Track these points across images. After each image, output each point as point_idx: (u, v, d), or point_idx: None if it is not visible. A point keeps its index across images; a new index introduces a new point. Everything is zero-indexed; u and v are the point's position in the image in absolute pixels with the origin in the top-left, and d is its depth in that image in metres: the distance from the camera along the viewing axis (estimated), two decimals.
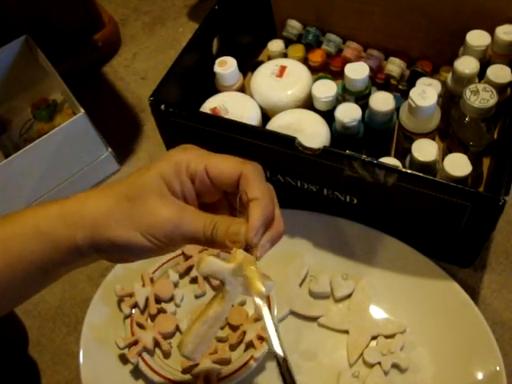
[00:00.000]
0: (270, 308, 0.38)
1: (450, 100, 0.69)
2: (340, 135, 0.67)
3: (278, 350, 0.37)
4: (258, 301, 0.37)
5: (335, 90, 0.69)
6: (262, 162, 0.65)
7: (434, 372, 0.58)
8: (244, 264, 0.36)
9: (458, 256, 0.67)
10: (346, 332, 0.62)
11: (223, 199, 0.42)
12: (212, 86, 0.76)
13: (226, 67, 0.73)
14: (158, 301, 0.64)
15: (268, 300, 0.38)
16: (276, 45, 0.84)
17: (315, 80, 0.73)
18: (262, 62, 0.79)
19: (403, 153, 0.67)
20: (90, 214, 0.37)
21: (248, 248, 0.37)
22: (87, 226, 0.37)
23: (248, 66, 0.85)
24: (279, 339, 0.38)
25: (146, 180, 0.38)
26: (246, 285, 0.37)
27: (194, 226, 0.37)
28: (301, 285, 0.65)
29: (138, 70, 0.96)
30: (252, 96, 0.74)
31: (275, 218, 0.39)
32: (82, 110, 0.73)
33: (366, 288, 0.64)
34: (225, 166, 0.39)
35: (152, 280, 0.65)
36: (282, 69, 0.74)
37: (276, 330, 0.38)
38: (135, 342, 0.61)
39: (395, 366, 0.59)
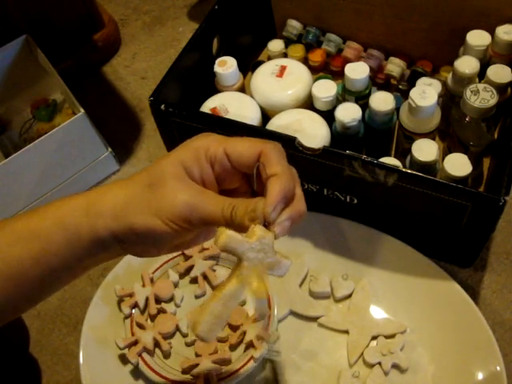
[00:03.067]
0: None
1: (450, 100, 0.69)
2: (340, 135, 0.67)
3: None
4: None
5: (335, 89, 0.69)
6: None
7: (433, 372, 0.58)
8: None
9: (458, 256, 0.67)
10: (346, 332, 0.62)
11: (244, 185, 0.41)
12: (212, 86, 0.76)
13: (226, 67, 0.73)
14: (157, 301, 0.64)
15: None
16: (276, 45, 0.84)
17: (315, 80, 0.73)
18: (262, 62, 0.79)
19: (403, 153, 0.67)
20: (110, 203, 0.38)
21: (266, 225, 0.36)
22: (108, 215, 0.37)
23: (248, 66, 0.85)
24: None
25: (165, 166, 0.38)
26: (265, 263, 0.37)
27: (212, 208, 0.37)
28: (301, 285, 0.65)
29: (138, 70, 0.96)
30: (252, 96, 0.74)
31: (296, 196, 0.38)
32: (82, 110, 0.73)
33: (366, 288, 0.64)
34: (244, 146, 0.38)
35: (152, 280, 0.65)
36: (282, 69, 0.74)
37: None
38: (135, 342, 0.61)
39: (395, 366, 0.59)
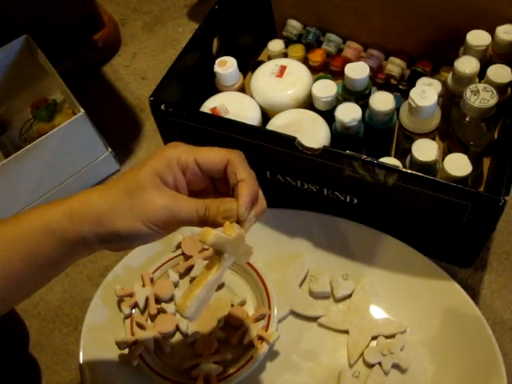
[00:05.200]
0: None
1: (450, 100, 0.69)
2: (340, 135, 0.67)
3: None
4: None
5: (335, 90, 0.69)
6: (262, 162, 0.66)
7: (433, 372, 0.58)
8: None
9: (458, 256, 0.67)
10: (346, 332, 0.62)
11: (210, 186, 0.47)
12: (212, 86, 0.76)
13: (226, 67, 0.73)
14: (158, 301, 0.64)
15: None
16: (276, 45, 0.84)
17: (315, 80, 0.73)
18: (262, 62, 0.79)
19: (403, 153, 0.67)
20: (94, 210, 0.42)
21: (237, 222, 0.42)
22: (93, 222, 0.42)
23: (248, 65, 0.85)
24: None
25: (142, 176, 0.42)
26: (238, 254, 0.44)
27: (188, 210, 0.42)
28: (301, 285, 0.65)
29: (138, 70, 0.96)
30: (252, 96, 0.74)
31: (259, 197, 0.45)
32: (82, 110, 0.73)
33: (366, 288, 0.64)
34: (213, 155, 0.44)
35: (152, 280, 0.65)
36: (282, 69, 0.74)
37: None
38: (135, 342, 0.61)
39: (395, 366, 0.59)
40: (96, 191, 0.43)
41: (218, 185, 0.47)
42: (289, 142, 0.59)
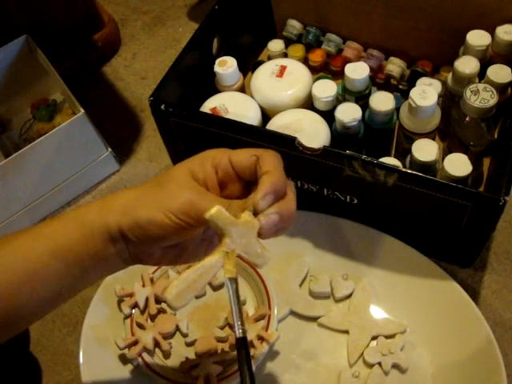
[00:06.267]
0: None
1: (450, 100, 0.69)
2: (340, 135, 0.67)
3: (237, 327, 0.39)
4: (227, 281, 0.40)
5: (335, 90, 0.69)
6: None
7: (433, 372, 0.59)
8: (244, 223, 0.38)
9: (458, 256, 0.67)
10: (346, 332, 0.62)
11: (245, 196, 0.44)
12: (212, 86, 0.76)
13: (226, 67, 0.73)
14: (157, 301, 0.64)
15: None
16: (276, 45, 0.84)
17: (315, 80, 0.73)
18: (262, 62, 0.79)
19: (403, 153, 0.67)
20: (121, 201, 0.43)
21: (255, 214, 0.39)
22: (118, 211, 0.42)
23: (248, 65, 0.85)
24: (240, 317, 0.40)
25: (174, 171, 0.43)
26: (246, 248, 0.39)
27: (210, 205, 0.40)
28: (301, 285, 0.65)
29: (138, 70, 0.96)
30: (252, 96, 0.74)
31: (287, 196, 0.41)
32: (82, 110, 0.73)
33: (366, 288, 0.64)
34: (245, 153, 0.43)
35: (152, 280, 0.65)
36: (282, 69, 0.74)
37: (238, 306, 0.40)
38: (135, 342, 0.61)
39: (395, 366, 0.59)
40: (130, 187, 0.45)
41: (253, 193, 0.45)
42: (289, 141, 0.59)
